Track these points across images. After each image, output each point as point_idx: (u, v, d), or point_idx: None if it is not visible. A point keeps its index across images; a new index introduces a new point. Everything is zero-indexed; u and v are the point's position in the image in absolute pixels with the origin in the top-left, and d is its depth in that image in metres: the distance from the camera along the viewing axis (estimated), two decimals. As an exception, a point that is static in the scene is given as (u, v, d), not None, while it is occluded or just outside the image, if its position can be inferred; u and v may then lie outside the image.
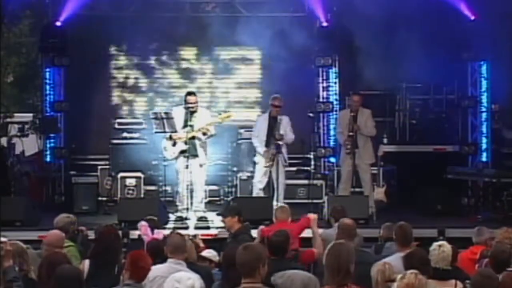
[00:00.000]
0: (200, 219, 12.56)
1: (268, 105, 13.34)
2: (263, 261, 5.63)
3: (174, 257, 7.05)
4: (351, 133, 13.24)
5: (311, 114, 14.49)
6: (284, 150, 13.04)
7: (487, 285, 5.83)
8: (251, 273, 5.55)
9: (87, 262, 7.42)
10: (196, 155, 12.69)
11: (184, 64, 16.29)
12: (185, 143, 12.56)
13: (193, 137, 12.65)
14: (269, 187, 13.14)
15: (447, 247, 7.01)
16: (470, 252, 8.62)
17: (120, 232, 8.65)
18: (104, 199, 14.11)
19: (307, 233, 9.49)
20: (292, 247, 8.06)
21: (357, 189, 13.70)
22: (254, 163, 13.42)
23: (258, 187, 13.20)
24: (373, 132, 13.49)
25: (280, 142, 12.82)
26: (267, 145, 13.06)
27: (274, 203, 12.69)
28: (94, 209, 13.54)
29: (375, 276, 6.37)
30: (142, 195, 14.13)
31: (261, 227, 9.66)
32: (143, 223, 9.17)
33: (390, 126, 15.67)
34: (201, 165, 12.78)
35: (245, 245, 5.73)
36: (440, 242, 7.10)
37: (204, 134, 12.67)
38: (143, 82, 16.20)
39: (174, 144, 12.75)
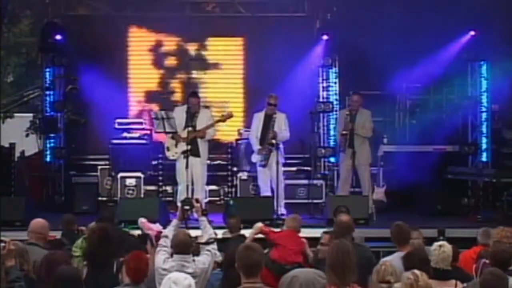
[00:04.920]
0: (200, 219, 12.55)
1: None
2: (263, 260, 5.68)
3: (180, 253, 7.06)
4: (344, 132, 13.28)
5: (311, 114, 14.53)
6: (281, 150, 13.03)
7: (498, 285, 5.81)
8: (256, 273, 5.55)
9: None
10: (198, 155, 12.74)
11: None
12: (187, 143, 12.59)
13: (195, 137, 12.70)
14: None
15: (447, 247, 7.01)
16: (473, 252, 8.60)
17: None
18: (104, 199, 14.11)
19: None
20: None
21: (357, 189, 13.74)
22: (254, 164, 13.41)
23: (264, 189, 13.17)
24: (370, 134, 13.50)
25: (273, 141, 12.82)
26: (262, 143, 13.08)
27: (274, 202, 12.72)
28: (94, 209, 13.53)
29: (372, 275, 6.40)
30: (142, 195, 14.12)
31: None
32: (142, 220, 9.23)
33: (390, 126, 15.66)
34: (202, 165, 12.83)
35: (248, 246, 5.72)
36: (440, 242, 7.10)
37: (202, 137, 12.75)
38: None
39: (176, 144, 12.81)
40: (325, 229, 9.36)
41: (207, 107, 13.45)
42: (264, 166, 12.98)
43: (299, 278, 6.56)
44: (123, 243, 7.86)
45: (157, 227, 9.05)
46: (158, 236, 8.19)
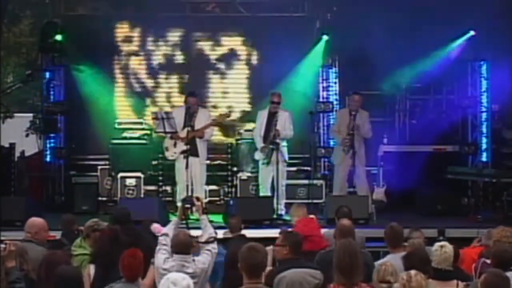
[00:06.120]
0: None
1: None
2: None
3: (179, 253, 7.04)
4: (351, 132, 13.27)
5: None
6: (284, 149, 13.01)
7: (500, 285, 5.80)
8: (259, 273, 5.55)
9: (92, 266, 7.43)
10: (197, 155, 12.74)
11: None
12: (186, 143, 12.59)
13: (194, 137, 12.72)
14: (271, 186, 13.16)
15: (449, 247, 6.99)
16: (474, 252, 8.57)
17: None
18: (104, 199, 14.11)
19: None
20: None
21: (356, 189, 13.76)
22: (256, 161, 13.40)
23: (264, 187, 13.15)
24: (369, 134, 13.52)
25: (276, 140, 12.81)
26: (265, 141, 13.07)
27: (274, 201, 12.72)
28: (94, 209, 13.52)
29: (373, 275, 6.41)
30: (142, 195, 14.11)
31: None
32: (155, 225, 9.26)
33: (390, 126, 15.66)
34: (201, 164, 12.83)
35: (251, 246, 5.70)
36: (442, 243, 7.08)
37: (201, 137, 12.74)
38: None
39: (175, 144, 12.81)
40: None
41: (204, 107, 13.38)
42: (267, 164, 12.97)
43: (286, 278, 6.57)
44: (139, 243, 7.82)
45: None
46: None
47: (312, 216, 9.62)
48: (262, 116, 13.23)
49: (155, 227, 9.29)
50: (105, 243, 7.41)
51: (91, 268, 7.37)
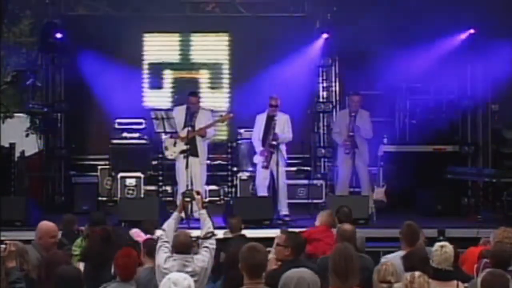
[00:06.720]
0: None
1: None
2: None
3: (181, 254, 7.02)
4: (351, 133, 13.26)
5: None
6: (283, 151, 13.01)
7: (498, 285, 5.80)
8: (259, 273, 5.54)
9: (81, 265, 7.43)
10: (196, 155, 12.74)
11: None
12: (186, 143, 12.58)
13: (194, 137, 12.72)
14: (269, 187, 13.15)
15: (449, 247, 6.98)
16: (476, 252, 8.55)
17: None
18: (104, 199, 14.12)
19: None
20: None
21: (357, 189, 13.74)
22: (255, 165, 13.40)
23: (261, 189, 13.15)
24: (371, 134, 13.50)
25: (274, 143, 12.81)
26: (264, 144, 13.07)
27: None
28: (94, 209, 13.49)
29: (373, 275, 6.40)
30: (142, 195, 14.12)
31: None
32: (134, 230, 9.23)
33: (390, 126, 15.66)
34: (201, 164, 12.83)
35: (252, 246, 5.69)
36: (442, 243, 7.06)
37: (203, 136, 12.74)
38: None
39: (174, 144, 12.81)
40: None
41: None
42: (266, 167, 12.96)
43: (306, 279, 6.52)
44: (122, 243, 7.83)
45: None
46: (146, 241, 8.14)
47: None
48: (261, 119, 13.21)
49: (134, 232, 9.26)
50: (96, 242, 7.40)
51: (80, 267, 7.36)
